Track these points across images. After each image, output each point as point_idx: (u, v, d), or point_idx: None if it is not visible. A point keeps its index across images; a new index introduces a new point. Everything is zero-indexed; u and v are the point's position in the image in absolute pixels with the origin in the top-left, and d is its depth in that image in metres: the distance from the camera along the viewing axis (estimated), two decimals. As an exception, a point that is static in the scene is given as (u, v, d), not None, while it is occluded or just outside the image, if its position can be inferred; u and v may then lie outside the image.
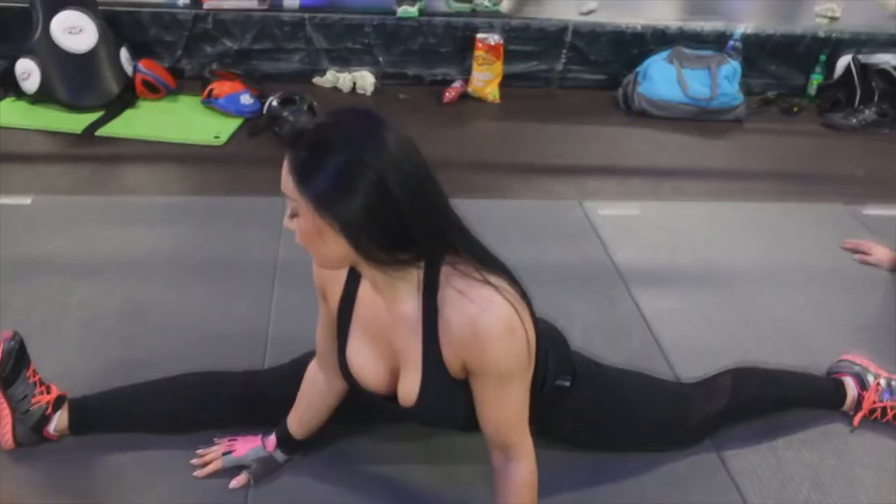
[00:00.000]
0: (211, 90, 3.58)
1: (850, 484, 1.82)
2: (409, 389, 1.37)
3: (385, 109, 3.68)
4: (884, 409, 2.00)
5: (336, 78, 3.88)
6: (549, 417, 1.60)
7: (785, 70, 4.23)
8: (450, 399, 1.37)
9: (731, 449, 1.88)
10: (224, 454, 1.70)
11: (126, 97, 3.62)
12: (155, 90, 3.68)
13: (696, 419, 1.83)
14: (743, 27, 4.11)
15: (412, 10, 3.94)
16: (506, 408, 1.36)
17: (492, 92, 3.91)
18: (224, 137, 3.36)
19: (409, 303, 1.32)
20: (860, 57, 4.13)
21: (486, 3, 4.03)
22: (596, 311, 2.38)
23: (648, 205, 3.06)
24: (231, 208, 2.83)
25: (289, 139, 1.21)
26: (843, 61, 4.19)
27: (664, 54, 3.97)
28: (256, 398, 1.77)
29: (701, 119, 3.90)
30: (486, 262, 1.31)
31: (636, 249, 2.72)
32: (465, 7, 4.03)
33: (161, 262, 2.47)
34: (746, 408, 1.92)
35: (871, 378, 2.03)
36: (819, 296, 2.56)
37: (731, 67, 3.94)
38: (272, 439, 1.70)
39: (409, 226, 1.20)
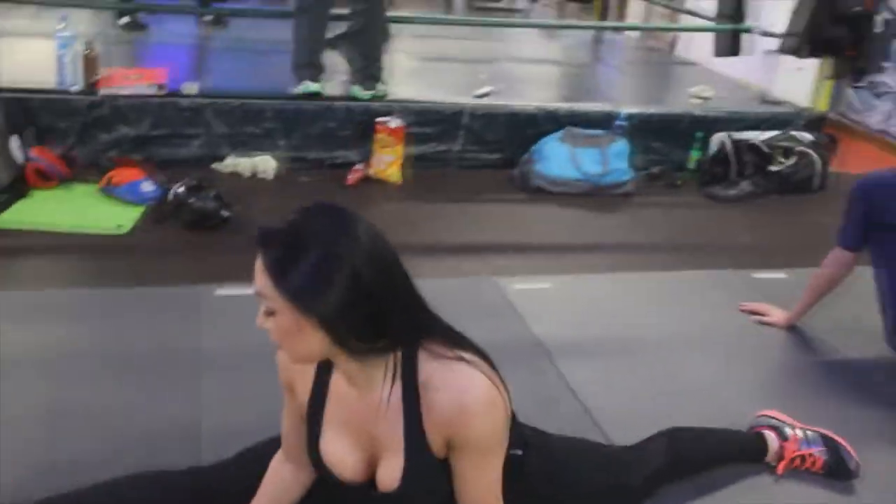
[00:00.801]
0: (110, 178, 3.50)
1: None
2: (391, 475, 1.37)
3: (287, 193, 3.72)
4: (803, 458, 2.12)
5: (236, 163, 3.87)
6: (506, 489, 1.62)
7: (667, 147, 4.50)
8: (433, 479, 1.38)
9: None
10: None
11: (18, 187, 3.48)
12: (48, 179, 3.56)
13: (639, 481, 1.89)
14: (627, 108, 4.37)
15: (314, 86, 4.00)
16: (484, 484, 1.38)
17: (394, 174, 3.98)
18: (127, 226, 3.28)
19: (386, 389, 1.33)
20: (733, 134, 4.46)
21: (380, 89, 4.13)
22: (523, 383, 2.39)
23: (558, 278, 3.17)
24: (143, 299, 2.74)
25: (259, 239, 1.23)
26: (718, 138, 4.50)
27: (558, 135, 4.16)
28: (206, 498, 1.71)
29: (595, 195, 4.09)
30: (455, 340, 1.34)
31: (553, 322, 2.80)
32: (366, 94, 4.11)
33: (78, 358, 2.35)
34: (682, 466, 1.99)
35: (788, 430, 2.16)
36: (726, 356, 2.70)
37: (620, 146, 4.18)
38: None
39: (385, 314, 1.24)
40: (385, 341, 1.27)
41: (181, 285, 2.81)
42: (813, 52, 4.58)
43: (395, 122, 3.95)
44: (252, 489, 1.61)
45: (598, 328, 2.81)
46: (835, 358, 2.75)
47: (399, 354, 1.31)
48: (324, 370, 1.41)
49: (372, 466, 1.42)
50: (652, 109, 4.48)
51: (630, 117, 4.33)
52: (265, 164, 3.87)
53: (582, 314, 2.90)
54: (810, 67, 4.84)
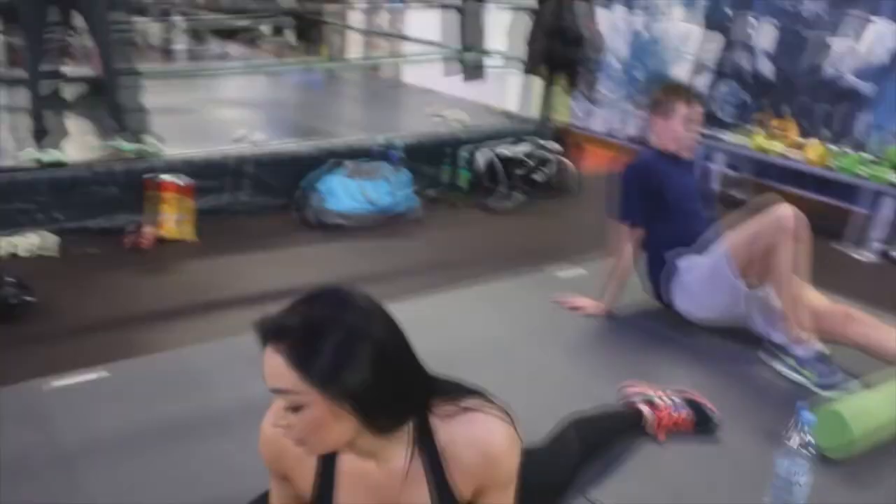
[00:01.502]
0: None
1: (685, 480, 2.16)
2: None
3: (80, 268, 3.45)
4: (676, 422, 2.38)
5: (15, 245, 3.50)
6: None
7: (438, 171, 4.73)
8: None
9: (594, 489, 2.10)
10: None
11: None
12: None
13: (567, 474, 2.02)
14: (401, 138, 4.54)
15: (127, 146, 3.80)
16: None
17: (187, 231, 3.82)
18: None
19: (404, 457, 1.34)
20: (495, 150, 4.80)
21: (149, 144, 3.94)
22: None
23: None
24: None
25: (270, 336, 1.21)
26: (483, 156, 4.82)
27: (343, 170, 4.23)
28: None
29: (388, 224, 4.21)
30: (451, 390, 1.38)
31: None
32: (130, 147, 3.89)
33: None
34: (592, 449, 2.15)
35: (657, 400, 2.40)
36: (563, 347, 2.95)
37: (403, 174, 4.34)
38: None
39: (408, 382, 1.28)
40: (408, 412, 1.30)
41: (8, 384, 2.50)
42: (552, 71, 5.06)
43: (179, 179, 3.80)
44: None
45: (431, 345, 2.91)
46: (649, 329, 3.12)
47: (412, 422, 1.33)
48: (329, 454, 1.38)
49: None
50: (421, 137, 4.69)
51: (405, 146, 4.50)
52: (45, 240, 3.55)
53: (422, 335, 2.98)
54: (536, 84, 5.35)
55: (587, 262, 3.70)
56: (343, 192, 4.15)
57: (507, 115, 5.50)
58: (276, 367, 1.20)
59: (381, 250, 3.94)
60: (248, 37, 8.16)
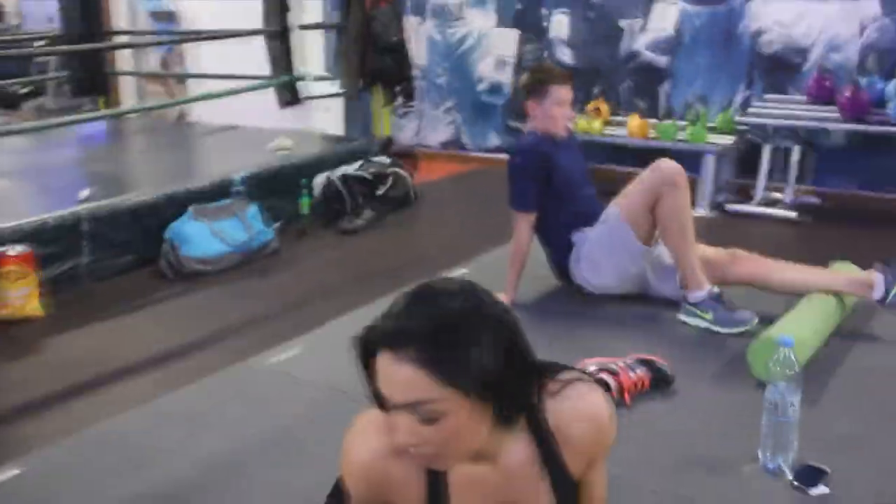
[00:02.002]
0: None
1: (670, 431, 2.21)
2: None
3: None
4: (635, 384, 2.44)
5: None
6: None
7: (281, 201, 4.54)
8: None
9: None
10: None
11: None
12: None
13: None
14: (240, 173, 4.32)
15: None
16: (601, 490, 1.39)
17: (34, 307, 3.41)
18: None
19: (519, 447, 1.26)
20: (332, 172, 4.69)
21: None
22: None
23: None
24: None
25: (395, 345, 1.10)
26: (320, 180, 4.70)
27: (188, 215, 3.95)
28: None
29: (248, 262, 3.99)
30: (546, 370, 1.31)
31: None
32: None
33: None
34: None
35: (613, 366, 2.45)
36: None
37: (252, 209, 4.13)
38: None
39: (530, 363, 1.20)
40: (532, 395, 1.23)
41: None
42: (367, 85, 5.03)
43: (17, 249, 3.38)
44: None
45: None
46: (565, 311, 3.19)
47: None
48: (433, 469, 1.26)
49: None
50: (262, 168, 4.50)
51: (245, 179, 4.29)
52: None
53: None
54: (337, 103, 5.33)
55: (471, 261, 3.72)
56: (196, 237, 3.88)
57: (332, 137, 5.41)
58: (405, 377, 1.08)
59: (246, 293, 3.73)
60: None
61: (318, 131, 5.51)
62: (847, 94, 4.18)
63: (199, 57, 6.74)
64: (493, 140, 5.86)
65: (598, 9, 5.32)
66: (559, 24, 5.48)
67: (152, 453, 2.28)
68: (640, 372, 2.46)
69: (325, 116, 5.74)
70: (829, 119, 4.34)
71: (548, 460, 1.27)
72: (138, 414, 2.54)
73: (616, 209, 3.09)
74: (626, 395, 2.40)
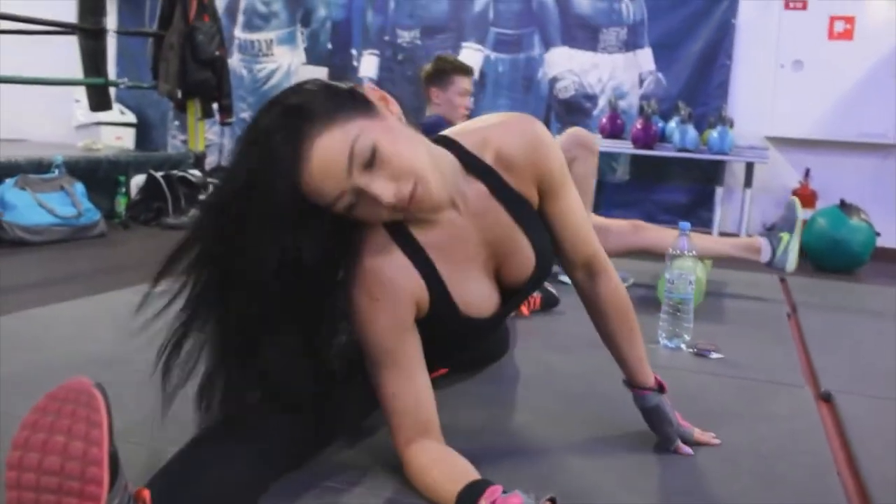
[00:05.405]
0: None
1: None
2: (524, 255, 1.39)
3: None
4: (532, 301, 2.63)
5: None
6: None
7: (99, 194, 4.25)
8: (544, 230, 1.44)
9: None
10: None
11: None
12: None
13: None
14: (61, 155, 4.02)
15: None
16: (575, 217, 1.46)
17: None
18: None
19: (471, 189, 1.35)
20: (152, 173, 4.51)
21: None
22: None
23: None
24: None
25: (309, 122, 1.15)
26: (138, 180, 4.49)
27: (12, 181, 3.61)
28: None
29: (73, 238, 3.72)
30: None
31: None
32: None
33: None
34: None
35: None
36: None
37: (80, 186, 3.86)
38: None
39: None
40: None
41: None
42: (185, 96, 4.92)
43: None
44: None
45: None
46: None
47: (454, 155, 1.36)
48: (412, 248, 1.31)
49: (495, 283, 1.42)
50: (79, 156, 4.22)
51: (65, 163, 4.00)
52: None
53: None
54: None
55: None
56: (22, 205, 3.55)
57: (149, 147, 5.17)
58: (332, 141, 1.14)
59: (74, 258, 3.47)
60: None
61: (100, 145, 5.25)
62: (639, 125, 4.80)
63: None
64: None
65: (408, 51, 5.67)
66: (368, 63, 5.76)
67: None
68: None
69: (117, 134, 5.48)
70: (623, 148, 4.94)
71: (497, 189, 1.37)
72: None
73: None
74: (525, 309, 2.56)
